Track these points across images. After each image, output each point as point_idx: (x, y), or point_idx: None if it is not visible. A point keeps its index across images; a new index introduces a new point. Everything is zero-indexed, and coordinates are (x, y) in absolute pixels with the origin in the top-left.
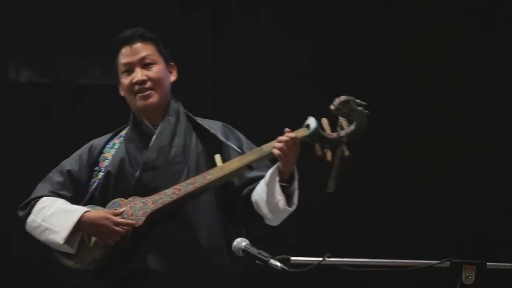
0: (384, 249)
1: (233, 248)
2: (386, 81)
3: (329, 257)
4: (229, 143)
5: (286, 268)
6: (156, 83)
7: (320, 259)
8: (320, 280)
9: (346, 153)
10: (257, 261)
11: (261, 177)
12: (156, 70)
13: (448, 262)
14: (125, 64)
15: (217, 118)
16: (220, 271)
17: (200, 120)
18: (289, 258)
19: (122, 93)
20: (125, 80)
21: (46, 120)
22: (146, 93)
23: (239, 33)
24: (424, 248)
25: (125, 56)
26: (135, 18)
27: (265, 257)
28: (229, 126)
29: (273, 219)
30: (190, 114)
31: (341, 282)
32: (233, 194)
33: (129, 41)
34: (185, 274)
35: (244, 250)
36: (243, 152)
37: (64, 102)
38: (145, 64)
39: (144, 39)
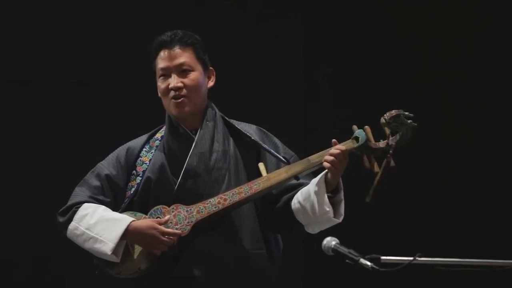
0: (476, 249)
1: (322, 247)
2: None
3: (420, 256)
4: (269, 148)
5: (377, 267)
6: (191, 90)
7: (411, 258)
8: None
9: (392, 163)
10: (347, 260)
11: (299, 185)
12: (193, 78)
13: None
14: (162, 69)
15: (308, 122)
16: (263, 276)
17: (236, 124)
18: (380, 258)
19: (159, 94)
20: (161, 84)
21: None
22: (180, 101)
23: (328, 37)
24: None
25: (162, 60)
26: (224, 24)
27: (355, 256)
28: (264, 130)
29: (315, 228)
30: (226, 118)
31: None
32: (271, 201)
33: (168, 45)
34: (229, 281)
35: (334, 249)
36: (283, 159)
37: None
38: (182, 70)
39: (183, 43)
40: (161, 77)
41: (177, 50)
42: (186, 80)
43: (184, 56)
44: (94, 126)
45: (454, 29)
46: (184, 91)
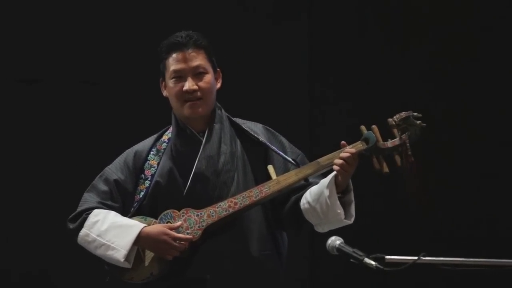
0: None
1: (327, 246)
2: None
3: (424, 256)
4: (277, 150)
5: (381, 267)
6: (206, 93)
7: (415, 258)
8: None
9: (412, 159)
10: (351, 260)
11: (308, 184)
12: (207, 80)
13: None
14: (176, 71)
15: (312, 123)
16: (272, 277)
17: (242, 123)
18: (384, 257)
19: (165, 93)
20: (174, 87)
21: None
22: (194, 102)
23: (333, 38)
24: None
25: (176, 62)
26: (232, 24)
27: (360, 255)
28: (271, 129)
29: (325, 228)
30: (232, 118)
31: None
32: (279, 201)
33: (182, 46)
34: (239, 282)
35: (338, 249)
36: (291, 161)
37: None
38: (197, 73)
39: (197, 46)
40: (174, 79)
41: (192, 52)
42: (201, 83)
43: (199, 59)
44: (103, 127)
45: (457, 29)
46: (198, 94)
